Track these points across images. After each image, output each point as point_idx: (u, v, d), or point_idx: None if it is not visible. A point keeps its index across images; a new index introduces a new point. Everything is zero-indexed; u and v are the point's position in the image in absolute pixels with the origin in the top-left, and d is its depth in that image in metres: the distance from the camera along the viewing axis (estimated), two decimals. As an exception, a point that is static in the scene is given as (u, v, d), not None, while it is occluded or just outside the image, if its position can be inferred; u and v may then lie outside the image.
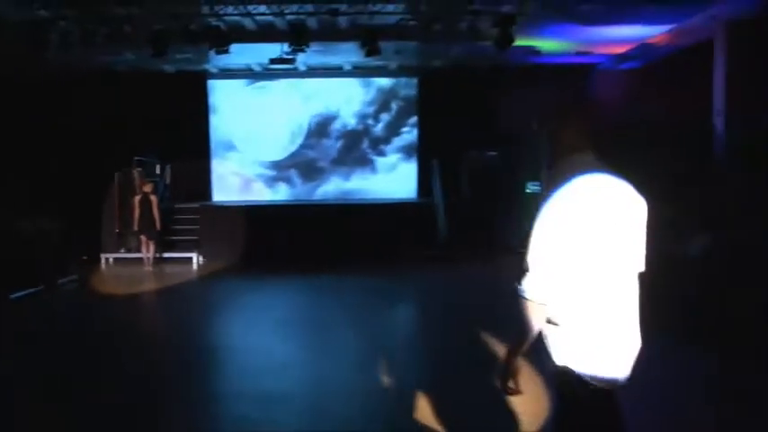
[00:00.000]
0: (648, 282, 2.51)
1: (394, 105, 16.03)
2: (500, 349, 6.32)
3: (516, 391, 2.50)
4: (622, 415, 2.46)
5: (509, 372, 2.48)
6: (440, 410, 4.86)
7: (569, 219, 2.30)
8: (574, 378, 2.35)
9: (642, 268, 2.44)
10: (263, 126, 15.91)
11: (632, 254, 2.38)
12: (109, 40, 10.81)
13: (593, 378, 2.33)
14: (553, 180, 2.40)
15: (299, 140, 16.01)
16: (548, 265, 2.31)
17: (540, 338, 2.44)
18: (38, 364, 6.49)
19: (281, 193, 16.04)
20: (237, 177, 16.09)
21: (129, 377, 6.00)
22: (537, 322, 2.37)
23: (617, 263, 2.34)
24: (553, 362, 2.41)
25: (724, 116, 10.09)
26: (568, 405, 2.43)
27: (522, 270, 2.37)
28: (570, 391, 2.38)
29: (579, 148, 2.45)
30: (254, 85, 15.97)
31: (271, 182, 16.10)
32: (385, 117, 16.03)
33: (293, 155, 16.04)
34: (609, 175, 2.38)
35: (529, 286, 2.33)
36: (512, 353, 2.47)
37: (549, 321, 2.40)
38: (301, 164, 16.06)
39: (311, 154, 16.05)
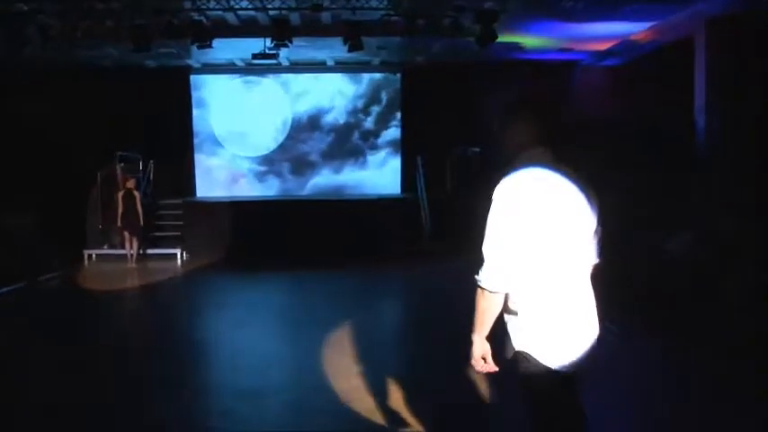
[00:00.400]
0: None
1: (379, 101, 16.02)
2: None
3: (489, 369, 2.60)
4: (580, 399, 2.61)
5: (476, 353, 2.59)
6: (422, 407, 4.89)
7: (518, 211, 2.39)
8: (531, 362, 2.47)
9: (596, 260, 2.61)
10: (246, 121, 15.86)
11: (582, 246, 2.50)
12: (89, 34, 10.71)
13: (550, 362, 2.45)
14: (518, 175, 2.48)
15: (284, 135, 15.97)
16: (502, 255, 2.41)
17: (501, 324, 2.58)
18: (17, 361, 6.46)
19: (266, 189, 15.99)
20: (221, 173, 16.02)
21: (111, 373, 5.99)
22: (493, 309, 2.50)
23: (567, 254, 2.45)
24: (512, 346, 2.53)
25: (705, 112, 10.17)
26: (527, 389, 2.55)
27: (478, 260, 2.48)
28: (528, 374, 2.49)
29: (532, 146, 2.54)
30: (238, 80, 15.90)
31: (255, 177, 16.05)
32: (371, 113, 16.02)
33: (277, 150, 16.00)
34: (557, 172, 2.48)
35: (484, 275, 2.45)
36: (474, 336, 2.59)
37: (507, 311, 2.54)
38: (286, 159, 16.01)
39: (296, 149, 16.01)
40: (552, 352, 2.45)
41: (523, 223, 2.38)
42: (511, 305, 2.52)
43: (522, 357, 2.49)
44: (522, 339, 2.50)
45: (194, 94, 15.82)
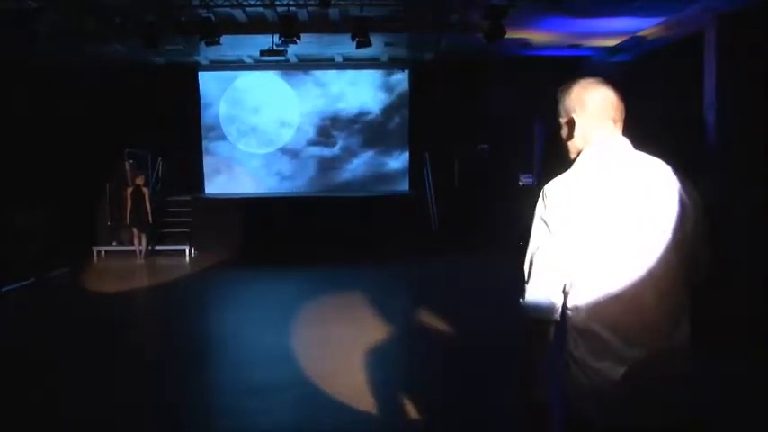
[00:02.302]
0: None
1: (387, 98, 16.00)
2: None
3: (545, 417, 2.03)
4: None
5: (533, 403, 2.03)
6: (432, 403, 4.89)
7: (573, 219, 1.93)
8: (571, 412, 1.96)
9: (702, 275, 2.03)
10: (255, 118, 15.90)
11: (666, 260, 1.92)
12: (99, 31, 10.74)
13: (593, 415, 1.91)
14: (576, 173, 2.03)
15: (291, 132, 15.97)
16: (549, 273, 1.97)
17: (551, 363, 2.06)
18: (26, 358, 6.48)
19: (273, 186, 16.01)
20: (229, 170, 16.04)
21: (122, 371, 6.00)
22: (542, 339, 2.01)
23: (642, 270, 1.91)
24: (564, 401, 2.00)
25: (715, 109, 10.10)
26: None
27: (521, 281, 2.03)
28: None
29: (609, 134, 2.06)
30: (245, 77, 15.92)
31: (263, 174, 16.06)
32: (378, 110, 16.00)
33: (285, 147, 16.00)
34: (642, 168, 1.99)
35: (527, 299, 2.00)
36: (528, 380, 2.04)
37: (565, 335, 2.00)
38: (294, 156, 16.02)
39: (304, 146, 16.01)
40: (619, 415, 1.89)
41: (581, 233, 1.91)
42: (568, 328, 1.99)
43: (573, 416, 1.96)
44: (578, 390, 1.95)
45: (202, 91, 15.84)
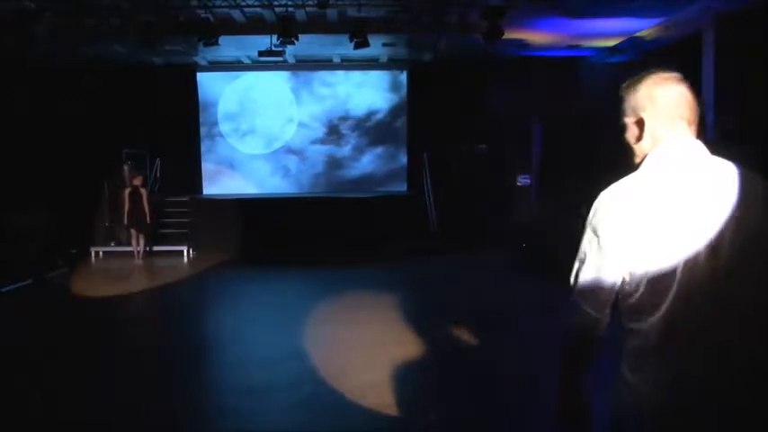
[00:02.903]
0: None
1: (385, 98, 16.01)
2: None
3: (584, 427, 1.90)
4: None
5: (566, 406, 1.92)
6: (431, 403, 4.89)
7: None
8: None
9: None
10: (253, 118, 15.92)
11: (741, 277, 1.73)
12: (98, 32, 10.74)
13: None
14: (641, 177, 1.84)
15: (290, 132, 15.98)
16: (603, 286, 1.80)
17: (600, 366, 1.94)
18: (26, 358, 6.48)
19: (272, 186, 16.02)
20: (228, 170, 16.05)
21: (122, 372, 5.99)
22: (593, 339, 1.87)
23: (710, 287, 1.72)
24: (618, 404, 1.84)
25: (713, 109, 10.12)
26: None
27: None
28: None
29: (679, 137, 1.85)
30: (244, 77, 15.93)
31: (262, 174, 16.07)
32: (377, 110, 16.01)
33: (284, 147, 16.01)
34: (730, 169, 1.80)
35: (573, 312, 1.87)
36: (569, 380, 1.92)
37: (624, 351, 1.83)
38: (293, 156, 16.03)
39: (303, 146, 16.02)
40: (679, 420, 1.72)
41: (640, 244, 1.74)
42: (626, 342, 1.82)
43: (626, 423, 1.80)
44: (628, 396, 1.79)
45: (200, 91, 15.85)
